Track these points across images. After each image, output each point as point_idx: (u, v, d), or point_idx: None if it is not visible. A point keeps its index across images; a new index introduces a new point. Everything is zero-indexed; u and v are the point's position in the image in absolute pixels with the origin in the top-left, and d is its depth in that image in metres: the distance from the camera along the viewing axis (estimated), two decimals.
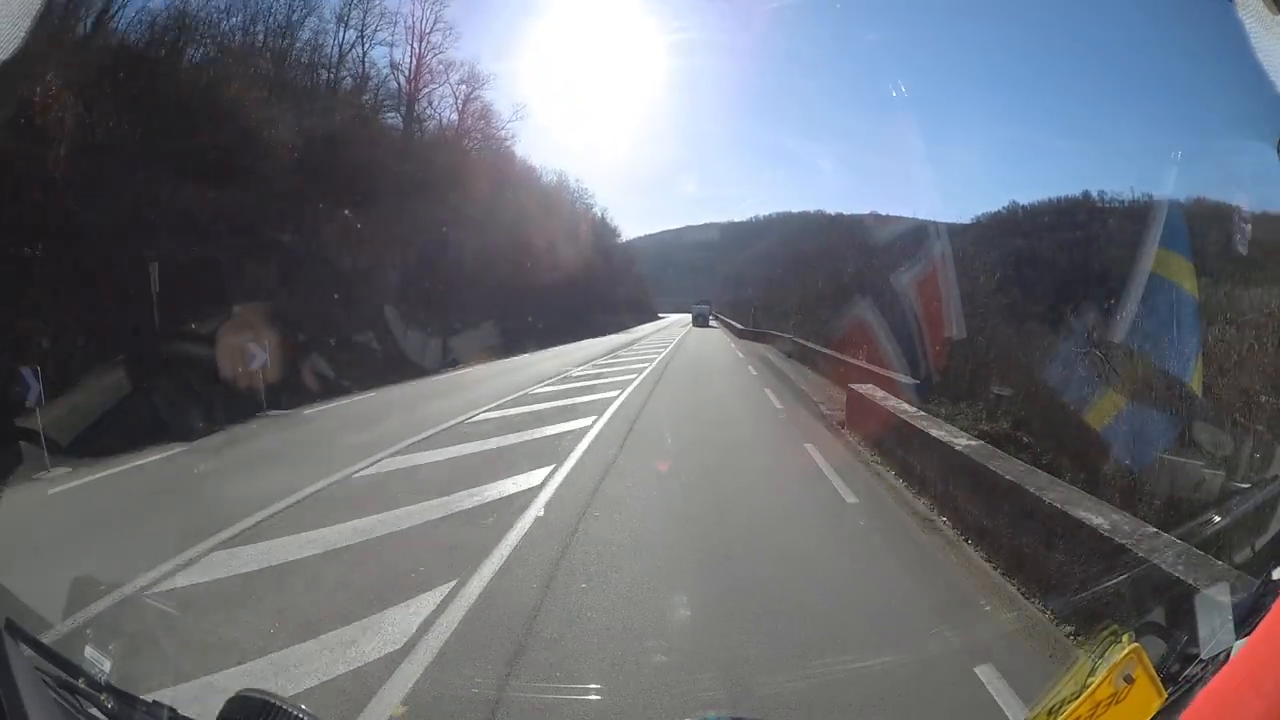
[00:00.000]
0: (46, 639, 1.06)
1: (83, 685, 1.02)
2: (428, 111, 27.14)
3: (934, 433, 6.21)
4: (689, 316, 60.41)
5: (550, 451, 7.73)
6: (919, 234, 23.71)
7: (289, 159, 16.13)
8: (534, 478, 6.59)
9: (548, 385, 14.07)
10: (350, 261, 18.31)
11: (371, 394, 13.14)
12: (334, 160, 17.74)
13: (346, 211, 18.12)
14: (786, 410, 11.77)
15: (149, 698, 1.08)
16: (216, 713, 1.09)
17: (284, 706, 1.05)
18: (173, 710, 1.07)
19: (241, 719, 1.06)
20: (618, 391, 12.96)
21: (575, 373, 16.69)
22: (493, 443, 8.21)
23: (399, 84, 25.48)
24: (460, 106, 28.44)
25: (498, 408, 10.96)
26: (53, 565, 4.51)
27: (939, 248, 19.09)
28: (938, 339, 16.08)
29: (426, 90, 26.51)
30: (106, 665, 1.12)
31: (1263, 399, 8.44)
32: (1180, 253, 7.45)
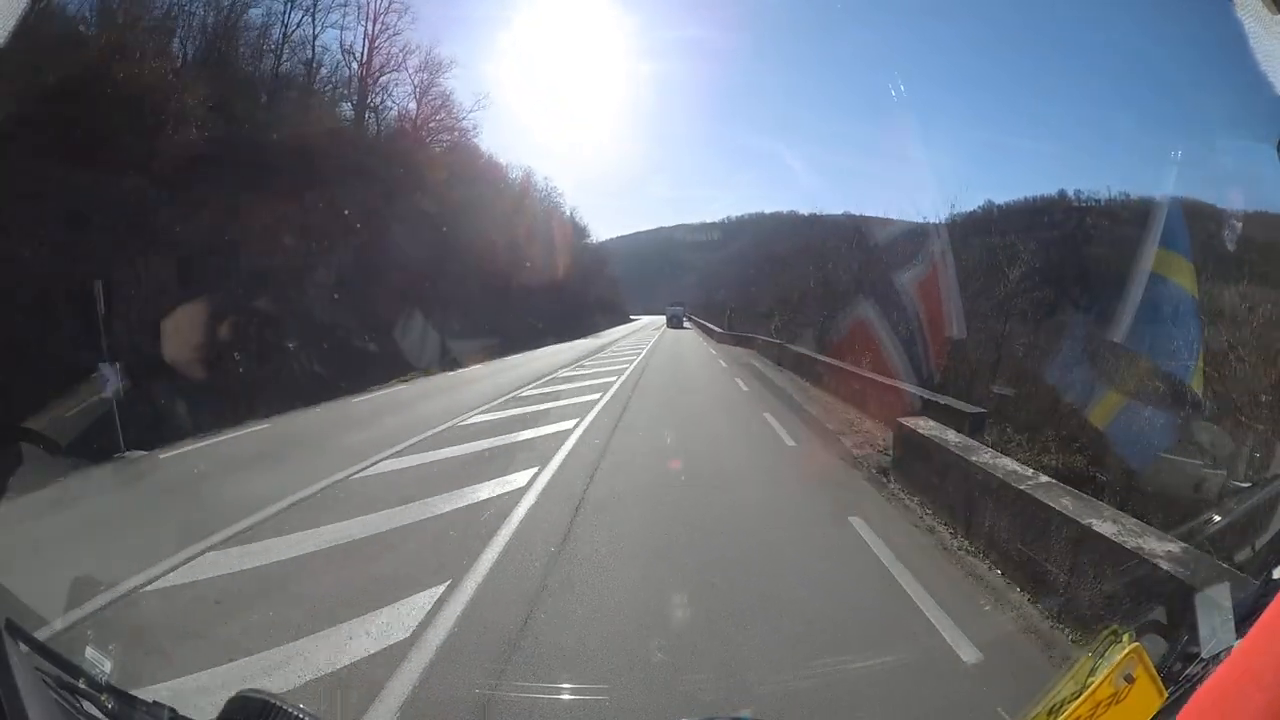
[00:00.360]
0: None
1: (83, 685, 1.02)
2: (385, 103, 25.99)
3: (1100, 527, 3.71)
4: (662, 319, 60.46)
5: (454, 545, 4.99)
6: (915, 233, 23.57)
7: (199, 144, 14.11)
8: (406, 615, 3.81)
9: (487, 413, 11.16)
10: (278, 259, 15.82)
11: (266, 424, 10.50)
12: (263, 146, 15.95)
13: (274, 203, 15.70)
14: (803, 450, 8.85)
15: (149, 698, 1.08)
16: (217, 713, 1.09)
17: (284, 706, 1.05)
18: (173, 710, 1.07)
19: (242, 718, 1.07)
20: (574, 421, 10.11)
21: (528, 391, 13.88)
22: (372, 523, 5.49)
23: (351, 70, 24.17)
24: (418, 95, 27.12)
25: (410, 449, 8.39)
26: None
27: (939, 247, 19.04)
28: (938, 339, 16.08)
29: (384, 77, 25.24)
30: (107, 665, 1.12)
31: (1263, 398, 8.45)
32: (1180, 252, 7.45)
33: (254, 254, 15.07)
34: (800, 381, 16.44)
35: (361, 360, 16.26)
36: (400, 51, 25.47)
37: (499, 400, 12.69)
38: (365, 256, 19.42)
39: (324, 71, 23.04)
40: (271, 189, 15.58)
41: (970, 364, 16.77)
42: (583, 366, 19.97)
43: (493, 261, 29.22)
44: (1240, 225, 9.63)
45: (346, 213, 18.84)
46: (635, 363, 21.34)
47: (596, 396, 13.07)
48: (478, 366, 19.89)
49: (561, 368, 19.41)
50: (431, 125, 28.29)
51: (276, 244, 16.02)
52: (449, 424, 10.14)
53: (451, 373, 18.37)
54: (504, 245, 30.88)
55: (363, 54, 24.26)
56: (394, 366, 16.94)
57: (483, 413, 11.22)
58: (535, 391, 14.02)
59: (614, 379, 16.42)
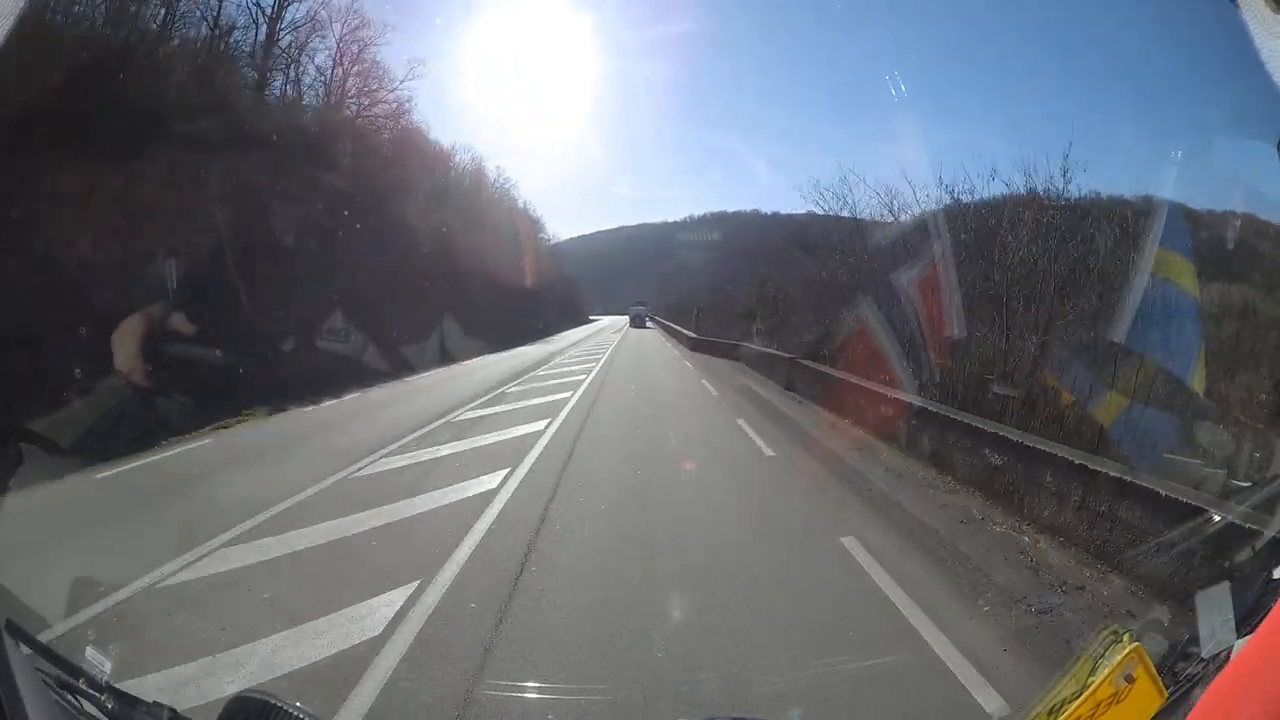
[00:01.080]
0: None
1: (83, 685, 1.02)
2: (307, 71, 21.54)
3: None
4: (623, 319, 60.76)
5: None
6: (914, 227, 23.25)
7: None
8: None
9: (312, 523, 5.60)
10: (98, 251, 11.73)
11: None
12: (97, 102, 12.00)
13: (98, 177, 11.75)
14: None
15: (149, 698, 1.09)
16: (217, 714, 1.09)
17: (284, 707, 1.05)
18: (173, 710, 1.07)
19: (242, 719, 1.07)
20: (429, 577, 4.48)
21: (386, 464, 7.82)
22: None
23: (257, 32, 19.97)
24: (341, 59, 22.80)
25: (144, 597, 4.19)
26: None
27: (939, 245, 18.95)
28: (938, 338, 16.04)
29: (304, 36, 21.13)
30: (107, 666, 1.13)
31: (1262, 396, 8.45)
32: (1181, 252, 7.46)
33: (57, 241, 10.96)
34: (848, 427, 11.05)
35: (200, 389, 10.67)
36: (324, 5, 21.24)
37: (327, 482, 6.97)
38: (240, 247, 14.35)
39: (236, 34, 19.40)
40: (100, 158, 11.69)
41: (976, 364, 16.70)
42: (504, 399, 13.23)
43: (419, 254, 23.47)
44: (1239, 224, 9.68)
45: (212, 191, 14.01)
46: (584, 388, 14.95)
47: (499, 478, 7.05)
48: (354, 398, 13.32)
49: (465, 406, 12.14)
50: (363, 97, 23.88)
51: (93, 229, 11.71)
52: (260, 521, 5.61)
53: (310, 409, 11.96)
54: (432, 234, 25.21)
55: (273, 6, 20.34)
56: (246, 396, 11.42)
57: (250, 540, 5.27)
58: (401, 462, 7.90)
59: (545, 421, 10.47)
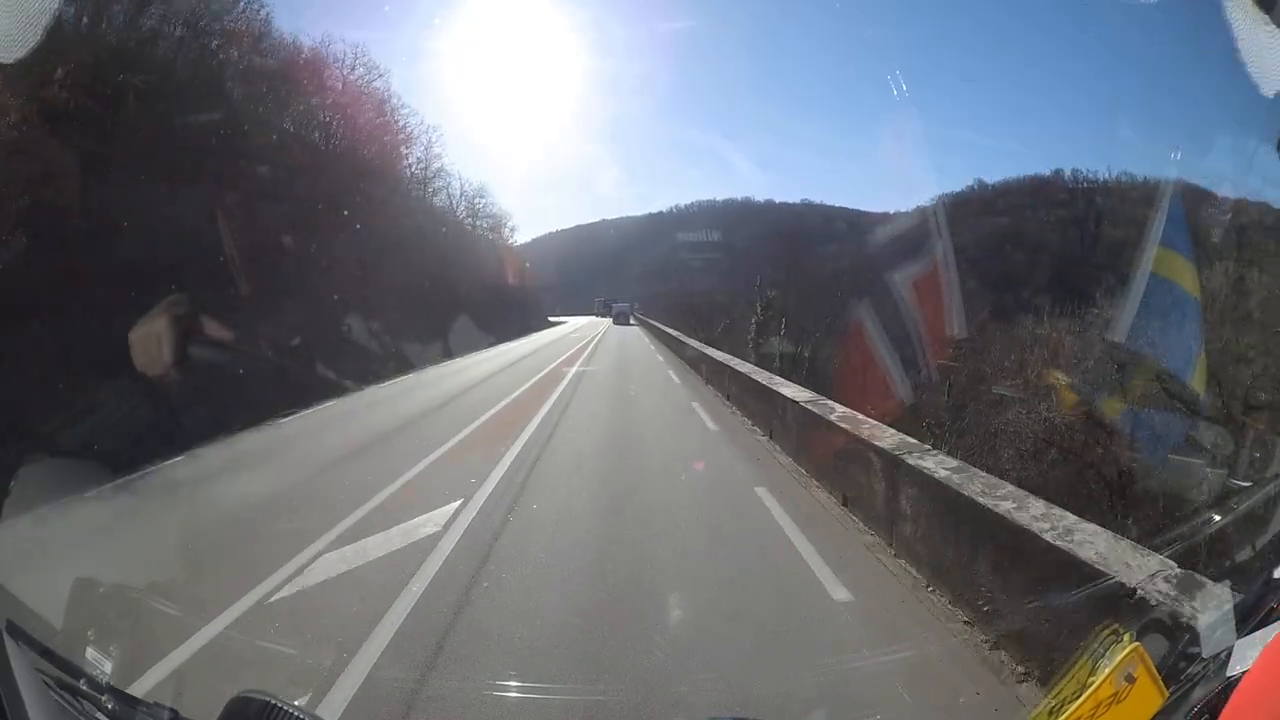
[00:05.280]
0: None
1: (83, 686, 1.02)
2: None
3: None
4: (598, 319, 55.52)
5: None
6: (920, 225, 22.79)
7: None
8: None
9: None
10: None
11: None
12: None
13: None
14: None
15: (150, 698, 1.09)
16: (218, 714, 1.09)
17: (284, 707, 1.05)
18: (173, 710, 1.07)
19: (242, 719, 1.07)
20: None
21: None
22: None
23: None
24: None
25: None
26: None
27: (940, 243, 18.74)
28: (937, 338, 15.90)
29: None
30: (108, 666, 1.12)
31: (1262, 396, 8.45)
32: (1180, 250, 7.46)
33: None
34: None
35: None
36: None
37: None
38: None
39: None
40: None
41: (973, 363, 16.61)
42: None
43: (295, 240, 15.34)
44: (1229, 216, 9.69)
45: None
46: None
47: None
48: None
49: None
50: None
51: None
52: None
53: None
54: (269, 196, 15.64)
55: None
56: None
57: None
58: None
59: None
